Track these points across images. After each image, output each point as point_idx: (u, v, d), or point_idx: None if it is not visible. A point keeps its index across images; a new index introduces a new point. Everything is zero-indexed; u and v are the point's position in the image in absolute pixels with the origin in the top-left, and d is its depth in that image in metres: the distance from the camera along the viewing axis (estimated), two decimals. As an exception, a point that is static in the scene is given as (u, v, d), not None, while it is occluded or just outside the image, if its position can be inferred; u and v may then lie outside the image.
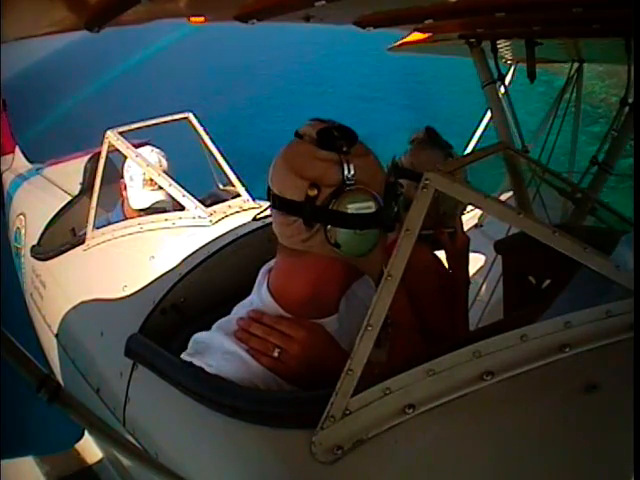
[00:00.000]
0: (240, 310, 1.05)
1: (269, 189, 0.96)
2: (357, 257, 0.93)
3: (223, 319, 1.05)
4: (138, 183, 2.23)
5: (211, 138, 2.41)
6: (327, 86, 10.56)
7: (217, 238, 1.77)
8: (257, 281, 1.07)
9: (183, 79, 11.49)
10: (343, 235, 0.90)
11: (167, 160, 2.31)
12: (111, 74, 12.54)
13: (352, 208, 0.90)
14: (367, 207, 0.91)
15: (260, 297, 1.03)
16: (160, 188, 2.18)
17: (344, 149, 0.91)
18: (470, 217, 3.26)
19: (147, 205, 2.22)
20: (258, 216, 1.86)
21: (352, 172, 0.90)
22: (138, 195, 2.23)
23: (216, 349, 1.00)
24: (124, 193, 2.29)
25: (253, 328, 0.98)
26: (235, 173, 2.34)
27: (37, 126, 9.02)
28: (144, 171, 2.18)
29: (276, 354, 0.96)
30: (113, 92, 11.45)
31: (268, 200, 0.98)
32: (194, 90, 10.29)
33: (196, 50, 12.76)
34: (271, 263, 1.07)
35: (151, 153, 2.27)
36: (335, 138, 0.91)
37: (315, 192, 0.89)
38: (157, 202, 2.22)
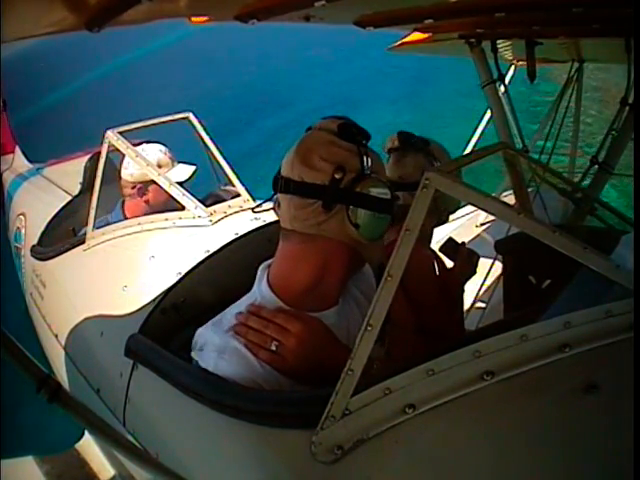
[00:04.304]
0: (241, 304, 1.06)
1: (281, 176, 0.99)
2: (368, 240, 0.98)
3: (220, 314, 1.06)
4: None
5: (211, 138, 2.40)
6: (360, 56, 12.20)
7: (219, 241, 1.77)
8: (257, 276, 1.08)
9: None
10: (363, 216, 0.97)
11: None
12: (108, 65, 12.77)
13: (374, 192, 0.98)
14: (384, 193, 0.99)
15: (260, 291, 1.04)
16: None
17: (363, 142, 1.00)
18: (470, 217, 3.27)
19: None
20: (256, 209, 1.86)
21: (370, 163, 0.98)
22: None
23: (215, 345, 1.00)
24: (124, 192, 2.28)
25: (251, 321, 0.99)
26: (235, 173, 2.33)
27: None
28: (145, 171, 2.16)
29: (273, 347, 0.97)
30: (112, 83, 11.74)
31: (275, 189, 1.00)
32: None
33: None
34: (271, 260, 1.07)
35: (164, 156, 2.26)
36: (354, 133, 0.99)
37: (341, 175, 0.96)
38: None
